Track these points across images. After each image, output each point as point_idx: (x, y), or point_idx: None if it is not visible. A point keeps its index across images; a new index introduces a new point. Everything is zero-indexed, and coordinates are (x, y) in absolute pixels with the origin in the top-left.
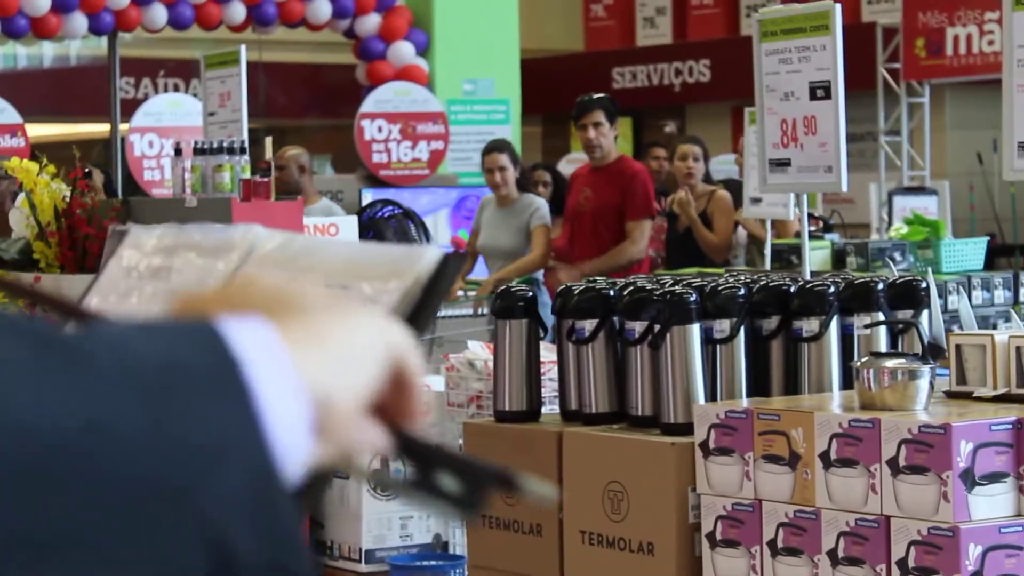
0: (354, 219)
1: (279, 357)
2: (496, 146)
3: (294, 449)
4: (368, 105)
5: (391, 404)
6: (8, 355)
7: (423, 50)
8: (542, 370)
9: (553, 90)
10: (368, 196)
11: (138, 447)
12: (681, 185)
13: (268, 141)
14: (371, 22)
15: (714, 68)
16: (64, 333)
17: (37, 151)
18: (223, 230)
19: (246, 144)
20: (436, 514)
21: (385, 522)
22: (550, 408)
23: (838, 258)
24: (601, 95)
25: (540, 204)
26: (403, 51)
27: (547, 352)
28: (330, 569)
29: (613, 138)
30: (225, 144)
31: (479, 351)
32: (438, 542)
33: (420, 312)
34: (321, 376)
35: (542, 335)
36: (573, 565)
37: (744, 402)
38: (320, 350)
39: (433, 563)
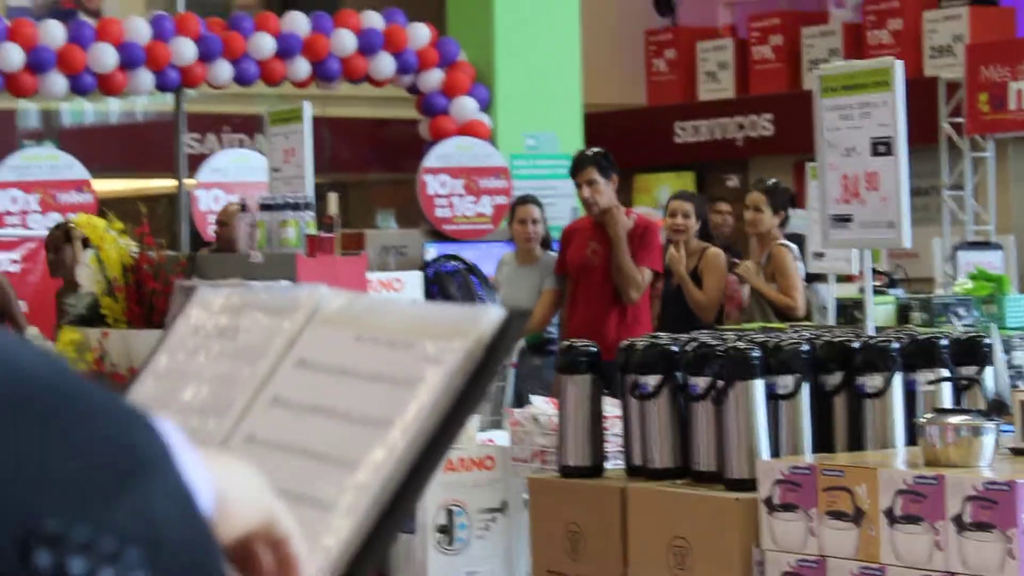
0: (418, 273)
1: (191, 451)
2: (530, 199)
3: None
4: (431, 160)
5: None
6: None
7: (486, 105)
8: (606, 425)
9: (616, 144)
10: (432, 250)
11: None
12: (672, 241)
13: (332, 197)
14: (434, 78)
15: (777, 122)
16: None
17: (104, 207)
18: (289, 290)
19: (311, 200)
20: None
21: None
22: (614, 463)
23: (902, 313)
24: (595, 151)
25: None
26: (466, 106)
27: (611, 407)
28: None
29: (613, 192)
30: (290, 200)
31: (543, 406)
32: None
33: (483, 371)
34: (220, 479)
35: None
36: None
37: (808, 458)
38: (222, 469)
39: None
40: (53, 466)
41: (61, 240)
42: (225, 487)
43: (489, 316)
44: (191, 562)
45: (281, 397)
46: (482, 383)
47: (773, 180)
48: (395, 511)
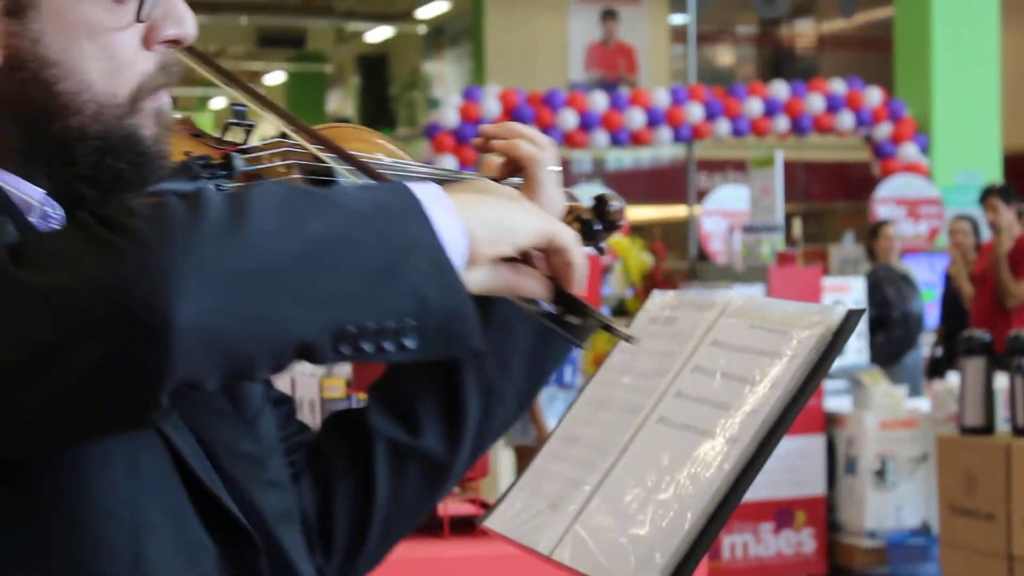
0: (862, 279)
1: (446, 204)
2: (889, 222)
3: (458, 252)
4: (881, 192)
5: (555, 270)
6: (288, 198)
7: (925, 150)
8: (1000, 395)
9: None
10: None
11: (369, 246)
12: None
13: (797, 222)
14: (884, 130)
15: None
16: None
17: (634, 230)
18: (710, 294)
19: (781, 225)
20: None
21: (883, 508)
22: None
23: None
24: (999, 184)
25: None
26: (909, 151)
27: (1002, 380)
28: (841, 544)
29: (1013, 216)
30: (765, 224)
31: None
32: (924, 525)
33: (828, 352)
34: (470, 222)
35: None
36: (1018, 544)
37: None
38: (476, 210)
39: (919, 541)
40: (345, 288)
41: None
42: (475, 228)
43: (836, 312)
44: (449, 316)
45: (700, 366)
46: (829, 358)
47: None
48: (767, 445)
